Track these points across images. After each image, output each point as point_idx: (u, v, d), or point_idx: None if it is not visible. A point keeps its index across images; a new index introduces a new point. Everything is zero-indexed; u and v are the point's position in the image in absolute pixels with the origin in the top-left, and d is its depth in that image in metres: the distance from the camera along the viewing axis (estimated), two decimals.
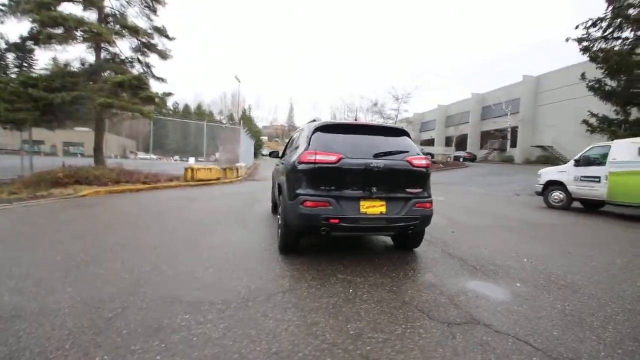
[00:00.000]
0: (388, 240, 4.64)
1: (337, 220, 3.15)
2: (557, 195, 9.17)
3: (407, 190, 3.40)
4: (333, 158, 3.20)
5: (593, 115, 13.57)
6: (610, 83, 12.79)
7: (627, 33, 12.38)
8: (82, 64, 11.25)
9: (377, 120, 33.16)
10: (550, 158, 27.80)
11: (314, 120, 4.04)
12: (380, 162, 3.31)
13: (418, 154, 3.55)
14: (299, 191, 3.25)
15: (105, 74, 11.31)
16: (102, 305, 2.40)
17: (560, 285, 3.18)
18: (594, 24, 12.98)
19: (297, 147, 3.96)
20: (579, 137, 23.07)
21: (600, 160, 8.09)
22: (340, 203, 3.20)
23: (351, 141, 3.44)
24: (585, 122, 13.79)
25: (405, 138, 3.69)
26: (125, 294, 2.61)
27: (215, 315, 2.31)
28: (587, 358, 1.98)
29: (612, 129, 12.58)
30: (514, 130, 32.90)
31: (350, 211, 3.20)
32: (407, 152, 3.50)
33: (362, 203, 3.25)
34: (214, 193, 9.79)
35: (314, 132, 3.48)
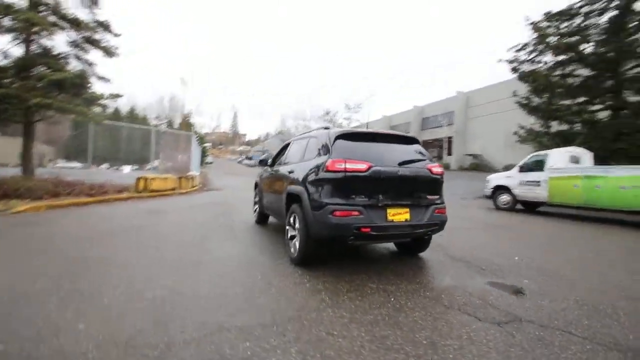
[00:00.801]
0: (390, 246, 4.74)
1: (368, 229, 3.13)
2: (505, 198, 10.33)
3: (427, 197, 3.53)
4: (364, 166, 3.18)
5: (522, 127, 15.67)
6: (535, 100, 14.94)
7: (548, 57, 14.68)
8: (5, 57, 9.54)
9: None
10: (480, 165, 31.30)
11: (327, 128, 3.99)
12: (406, 170, 3.40)
13: (432, 162, 3.72)
14: (326, 200, 3.16)
15: (38, 70, 9.72)
16: (135, 342, 2.02)
17: (559, 279, 3.57)
18: (522, 48, 15.12)
19: (307, 156, 3.85)
20: (503, 147, 26.54)
21: (540, 167, 9.36)
22: (369, 211, 3.19)
23: (373, 149, 3.46)
24: (515, 133, 15.83)
25: (418, 146, 3.84)
26: (153, 324, 2.24)
27: (278, 339, 2.11)
28: (622, 341, 2.24)
29: (538, 139, 14.68)
30: (450, 140, 36.39)
31: (378, 219, 3.21)
32: (425, 159, 3.65)
33: (388, 211, 3.28)
34: (179, 205, 8.99)
35: (335, 140, 3.43)
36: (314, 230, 3.28)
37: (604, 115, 13.08)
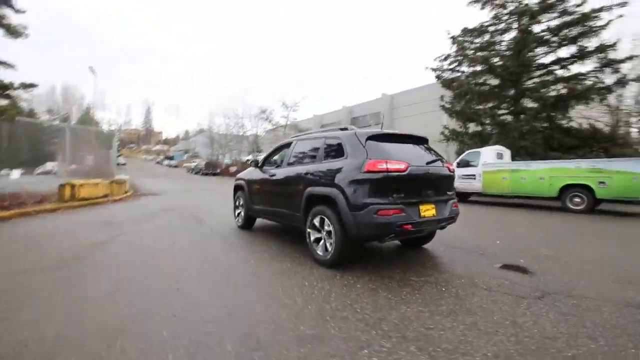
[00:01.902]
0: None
1: (409, 226, 3.29)
2: None
3: (447, 192, 3.86)
4: (402, 166, 3.32)
5: (446, 127, 17.90)
6: (456, 104, 17.22)
7: (465, 68, 17.07)
8: None
9: (264, 127, 33.29)
10: None
11: (346, 129, 4.01)
12: (434, 169, 3.66)
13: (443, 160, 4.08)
14: (368, 200, 3.23)
15: None
16: None
17: (551, 258, 4.24)
18: (445, 58, 17.28)
19: (328, 157, 3.81)
20: None
21: (474, 163, 10.88)
22: (407, 209, 3.35)
23: (401, 149, 3.64)
24: (442, 133, 18.02)
25: (428, 145, 4.16)
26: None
27: (395, 341, 2.10)
28: (629, 299, 2.87)
29: (460, 139, 16.98)
30: None
31: (415, 216, 3.39)
32: (440, 157, 3.97)
33: (420, 207, 3.49)
34: (129, 214, 7.79)
35: (367, 141, 3.50)
36: (354, 230, 3.30)
37: (511, 118, 15.81)
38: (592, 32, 13.58)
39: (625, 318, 2.49)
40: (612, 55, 13.48)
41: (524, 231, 6.20)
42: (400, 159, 3.42)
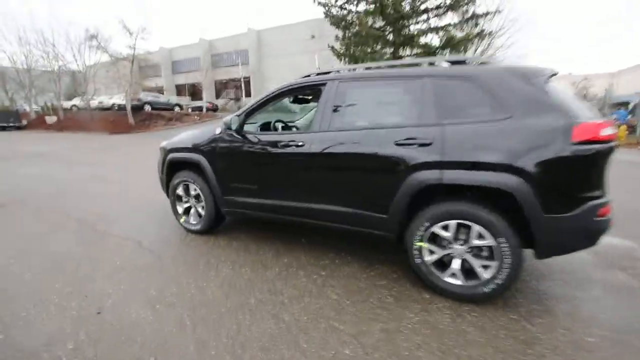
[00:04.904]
0: None
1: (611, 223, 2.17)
2: None
3: None
4: (613, 132, 2.07)
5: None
6: (350, 46, 16.57)
7: (354, 7, 16.25)
8: None
9: (97, 59, 24.02)
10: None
11: (458, 62, 2.39)
12: None
13: None
14: (585, 194, 1.94)
15: None
16: None
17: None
18: None
19: (451, 112, 2.14)
20: None
21: None
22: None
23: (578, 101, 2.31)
24: None
25: None
26: None
27: None
28: None
29: None
30: (247, 80, 35.53)
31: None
32: None
33: None
34: None
35: (546, 84, 2.04)
36: (554, 244, 2.01)
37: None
38: None
39: None
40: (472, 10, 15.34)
41: None
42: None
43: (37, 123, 24.82)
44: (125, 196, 5.18)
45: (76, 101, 28.09)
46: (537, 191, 1.91)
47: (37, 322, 2.06)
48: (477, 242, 2.10)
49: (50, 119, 24.48)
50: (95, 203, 4.78)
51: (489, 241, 2.05)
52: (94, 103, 25.93)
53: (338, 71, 2.84)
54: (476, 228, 2.07)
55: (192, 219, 3.55)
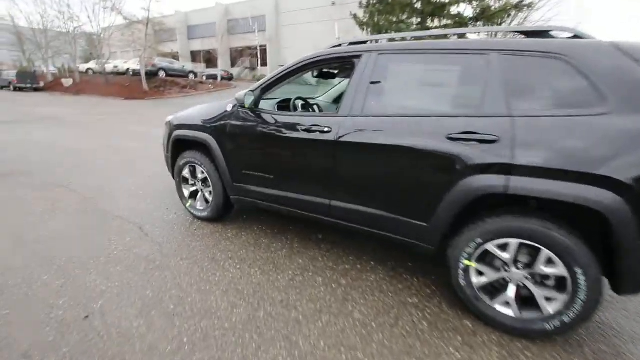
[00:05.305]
0: None
1: None
2: None
3: None
4: None
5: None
6: (375, 14, 15.41)
7: None
8: None
9: (111, 21, 23.30)
10: None
11: (546, 34, 1.85)
12: None
13: None
14: None
15: None
16: None
17: None
18: None
19: (522, 99, 1.63)
20: None
21: None
22: None
23: None
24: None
25: None
26: None
27: None
28: None
29: None
30: (263, 49, 34.24)
31: None
32: None
33: None
34: None
35: None
36: None
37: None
38: None
39: None
40: None
41: None
42: None
43: (54, 85, 24.73)
44: (135, 170, 4.92)
45: (92, 64, 27.83)
46: (637, 213, 1.45)
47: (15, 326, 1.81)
48: (545, 269, 1.66)
49: (67, 82, 24.32)
50: (103, 177, 4.53)
51: (560, 270, 1.62)
52: (110, 67, 25.63)
53: (376, 41, 2.32)
54: (545, 252, 1.64)
55: (199, 204, 3.21)
